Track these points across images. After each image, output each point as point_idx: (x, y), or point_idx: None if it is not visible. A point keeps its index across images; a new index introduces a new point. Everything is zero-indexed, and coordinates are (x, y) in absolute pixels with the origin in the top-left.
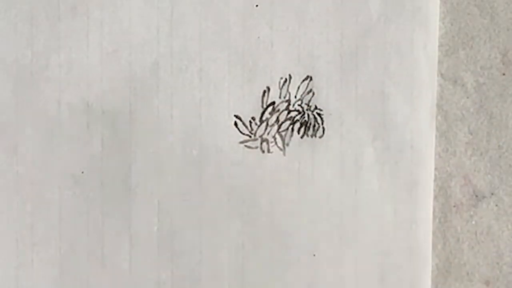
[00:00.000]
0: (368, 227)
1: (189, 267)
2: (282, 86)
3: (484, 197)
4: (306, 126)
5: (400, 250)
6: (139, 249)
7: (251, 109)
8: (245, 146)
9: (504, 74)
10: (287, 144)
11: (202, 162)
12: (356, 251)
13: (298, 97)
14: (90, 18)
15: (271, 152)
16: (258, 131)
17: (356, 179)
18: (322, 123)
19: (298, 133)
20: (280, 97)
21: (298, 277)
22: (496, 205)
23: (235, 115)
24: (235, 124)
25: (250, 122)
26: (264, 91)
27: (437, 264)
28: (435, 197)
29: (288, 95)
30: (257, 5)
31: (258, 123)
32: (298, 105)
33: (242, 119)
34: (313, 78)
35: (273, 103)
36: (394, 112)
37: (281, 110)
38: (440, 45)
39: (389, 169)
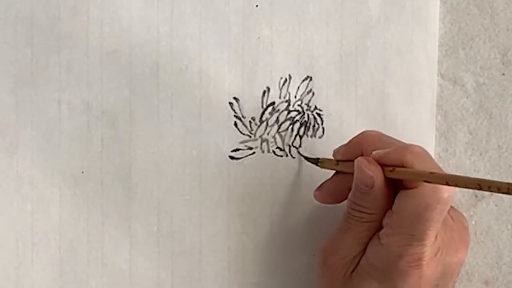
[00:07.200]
0: None
1: (189, 267)
2: (282, 86)
3: (484, 197)
4: (306, 126)
5: None
6: (139, 249)
7: (251, 109)
8: (245, 146)
9: (504, 74)
10: (287, 144)
11: (202, 162)
12: None
13: (298, 97)
14: (90, 18)
15: (271, 152)
16: (258, 131)
17: None
18: (322, 123)
19: (298, 133)
20: (280, 97)
21: (298, 277)
22: (496, 205)
23: (235, 115)
24: (235, 124)
25: (250, 122)
26: (264, 91)
27: None
28: None
29: (288, 95)
30: (257, 5)
31: (258, 123)
32: (298, 105)
33: (242, 119)
34: (313, 78)
35: (273, 103)
36: (394, 112)
37: (281, 110)
38: (440, 45)
39: None
